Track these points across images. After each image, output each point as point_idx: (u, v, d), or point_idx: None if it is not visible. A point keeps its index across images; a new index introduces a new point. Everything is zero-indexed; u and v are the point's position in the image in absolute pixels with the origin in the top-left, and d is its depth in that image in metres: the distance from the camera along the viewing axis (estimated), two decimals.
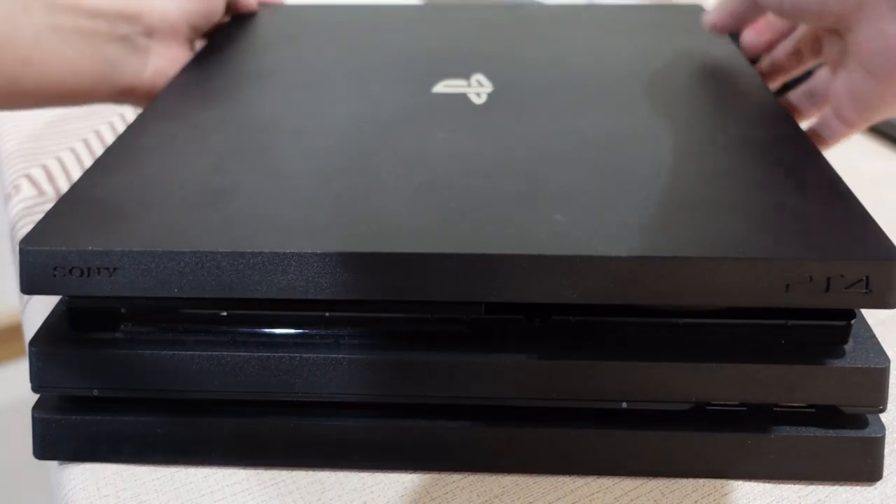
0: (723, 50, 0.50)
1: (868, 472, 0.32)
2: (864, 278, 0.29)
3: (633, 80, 0.45)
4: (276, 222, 0.32)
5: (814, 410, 0.32)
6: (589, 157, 0.36)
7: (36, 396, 0.34)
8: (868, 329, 0.33)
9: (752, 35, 0.49)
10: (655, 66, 0.48)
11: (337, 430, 0.33)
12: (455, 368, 0.32)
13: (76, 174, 0.54)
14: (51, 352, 0.32)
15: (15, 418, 0.75)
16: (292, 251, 0.30)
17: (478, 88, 0.44)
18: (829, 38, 0.43)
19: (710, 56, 0.50)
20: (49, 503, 0.35)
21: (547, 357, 0.31)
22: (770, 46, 0.49)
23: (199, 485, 0.33)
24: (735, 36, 0.53)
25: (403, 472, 0.33)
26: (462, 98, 0.43)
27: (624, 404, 0.32)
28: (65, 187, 0.53)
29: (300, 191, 0.34)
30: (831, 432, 0.32)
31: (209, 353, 0.32)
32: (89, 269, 0.30)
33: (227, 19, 0.56)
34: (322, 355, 0.32)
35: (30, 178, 0.54)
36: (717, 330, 0.32)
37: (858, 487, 0.33)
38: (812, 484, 0.33)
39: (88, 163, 0.55)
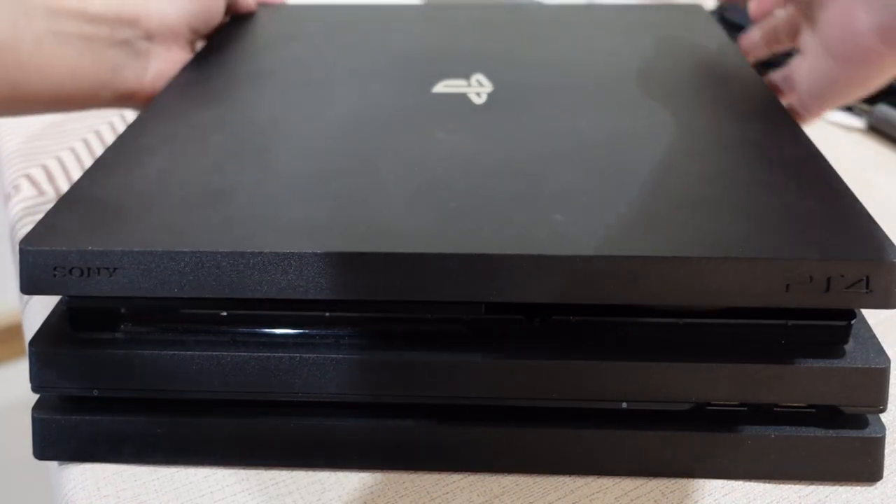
0: (723, 50, 0.50)
1: (868, 472, 0.32)
2: (865, 278, 0.29)
3: (632, 80, 0.45)
4: (276, 222, 0.32)
5: (814, 410, 0.32)
6: (589, 157, 0.36)
7: (36, 396, 0.34)
8: (868, 329, 0.33)
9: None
10: (655, 67, 0.48)
11: (337, 430, 0.33)
12: (455, 368, 0.32)
13: (76, 174, 0.54)
14: (51, 352, 0.32)
15: (15, 418, 0.75)
16: (292, 251, 0.30)
17: (478, 88, 0.44)
18: (804, 22, 0.44)
19: (710, 56, 0.50)
20: (49, 503, 0.35)
21: (547, 357, 0.31)
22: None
23: (199, 485, 0.33)
24: (734, 35, 0.53)
25: (403, 472, 0.33)
26: (462, 98, 0.43)
27: (624, 404, 0.32)
28: (65, 187, 0.53)
29: (300, 191, 0.34)
30: (831, 432, 0.32)
31: (209, 353, 0.32)
32: (89, 269, 0.30)
33: (226, 20, 0.56)
34: (322, 355, 0.32)
35: (30, 178, 0.54)
36: (717, 330, 0.32)
37: (858, 487, 0.33)
38: (812, 484, 0.33)
39: (88, 163, 0.55)
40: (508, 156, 0.37)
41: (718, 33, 0.53)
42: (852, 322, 0.31)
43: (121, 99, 0.46)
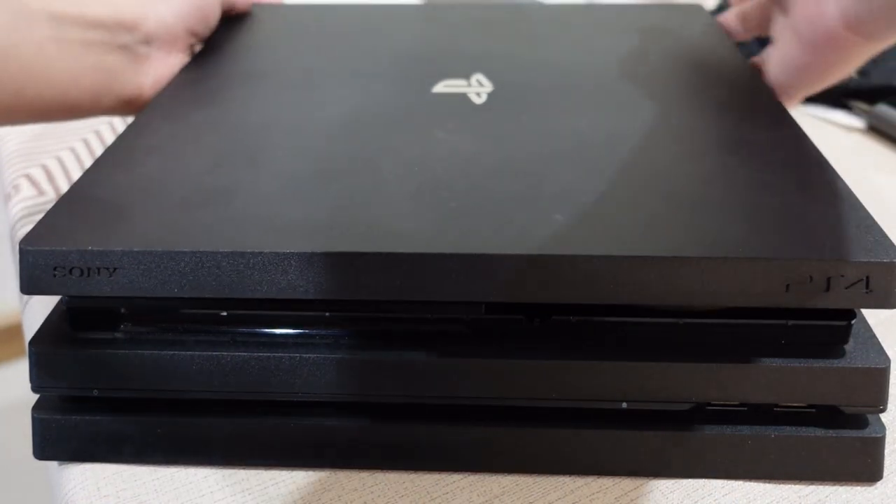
0: (723, 50, 0.50)
1: (868, 472, 0.32)
2: (865, 278, 0.29)
3: (632, 81, 0.45)
4: (276, 222, 0.32)
5: (814, 410, 0.32)
6: (589, 157, 0.36)
7: (36, 396, 0.34)
8: (868, 329, 0.33)
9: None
10: (655, 67, 0.48)
11: (337, 431, 0.33)
12: (455, 368, 0.32)
13: (76, 174, 0.54)
14: (51, 352, 0.32)
15: (15, 418, 0.75)
16: (292, 251, 0.30)
17: (478, 88, 0.44)
18: (776, 10, 0.45)
19: (710, 56, 0.50)
20: (49, 503, 0.35)
21: (547, 357, 0.31)
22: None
23: (199, 485, 0.33)
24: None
25: (403, 472, 0.33)
26: (462, 98, 0.43)
27: (624, 404, 0.32)
28: (65, 187, 0.53)
29: (300, 191, 0.34)
30: (831, 432, 0.32)
31: (209, 353, 0.32)
32: (89, 269, 0.30)
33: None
34: (322, 355, 0.32)
35: (30, 178, 0.54)
36: (717, 330, 0.32)
37: (858, 487, 0.33)
38: (812, 484, 0.33)
39: (88, 163, 0.55)
40: (508, 156, 0.37)
41: (718, 33, 0.53)
42: (852, 322, 0.31)
43: (121, 105, 0.46)
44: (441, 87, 0.44)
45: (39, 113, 0.43)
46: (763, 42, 0.48)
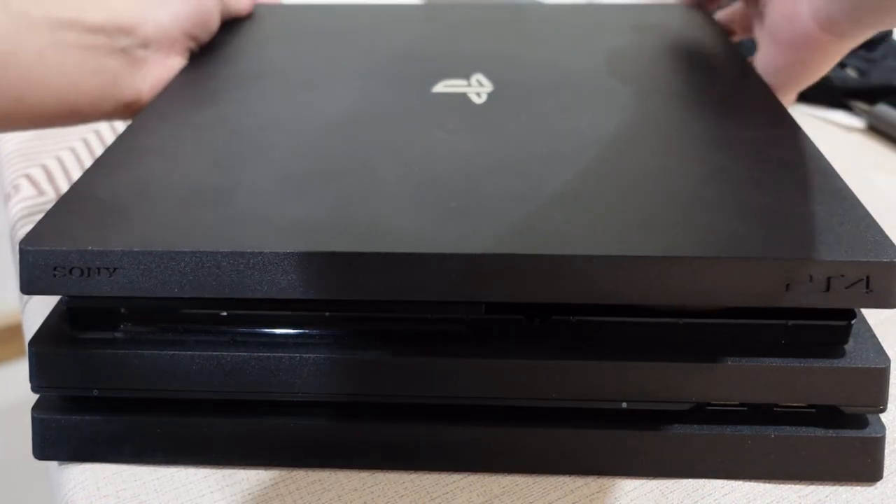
0: (723, 50, 0.50)
1: (868, 472, 0.32)
2: (865, 278, 0.29)
3: (632, 80, 0.45)
4: (276, 222, 0.32)
5: (814, 410, 0.32)
6: (589, 157, 0.36)
7: (36, 396, 0.34)
8: (868, 329, 0.33)
9: None
10: (655, 66, 0.48)
11: (337, 431, 0.33)
12: (455, 368, 0.32)
13: (76, 174, 0.54)
14: (51, 352, 0.32)
15: (15, 418, 0.75)
16: (292, 251, 0.30)
17: (478, 88, 0.44)
18: (755, 15, 0.46)
19: (710, 56, 0.50)
20: (49, 503, 0.35)
21: (547, 357, 0.31)
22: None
23: (199, 485, 0.33)
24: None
25: (403, 472, 0.33)
26: (462, 98, 0.43)
27: (624, 404, 0.32)
28: (65, 187, 0.53)
29: (300, 191, 0.34)
30: (831, 432, 0.32)
31: (209, 353, 0.32)
32: (89, 269, 0.30)
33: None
34: (322, 355, 0.32)
35: (30, 178, 0.54)
36: (717, 330, 0.32)
37: (858, 487, 0.33)
38: (812, 484, 0.33)
39: (88, 163, 0.55)
40: (508, 155, 0.37)
41: (718, 33, 0.53)
42: (852, 322, 0.31)
43: (121, 109, 0.46)
44: (441, 87, 0.44)
45: (39, 119, 0.43)
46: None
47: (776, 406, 0.32)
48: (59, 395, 0.33)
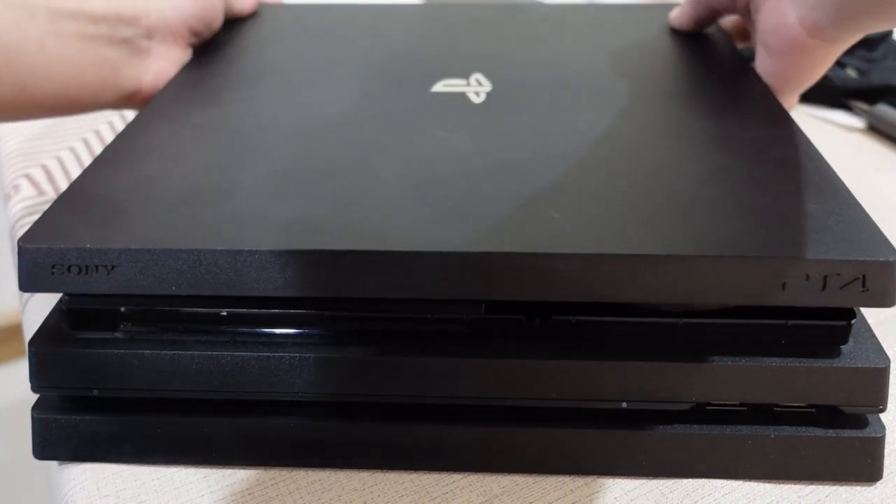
0: (721, 49, 0.50)
1: (868, 472, 0.32)
2: (861, 277, 0.29)
3: (630, 80, 0.45)
4: (274, 220, 0.32)
5: (814, 410, 0.32)
6: (586, 156, 0.36)
7: (36, 396, 0.34)
8: (868, 329, 0.33)
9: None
10: (653, 66, 0.48)
11: (336, 430, 0.33)
12: (455, 368, 0.32)
13: (76, 174, 0.54)
14: (50, 352, 0.32)
15: (15, 418, 0.75)
16: (290, 249, 0.30)
17: (477, 88, 0.44)
18: (749, 26, 0.48)
19: (708, 55, 0.50)
20: (49, 503, 0.35)
21: (547, 357, 0.31)
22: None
23: (199, 485, 0.33)
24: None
25: (403, 472, 0.33)
26: (461, 97, 0.43)
27: (624, 404, 0.32)
28: (64, 187, 0.53)
29: (298, 189, 0.34)
30: (831, 432, 0.32)
31: (209, 353, 0.32)
32: (87, 266, 0.30)
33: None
34: (322, 355, 0.32)
35: (29, 177, 0.54)
36: (717, 330, 0.32)
37: (858, 487, 0.33)
38: (812, 484, 0.33)
39: (88, 162, 0.55)
40: (506, 154, 0.37)
41: (717, 32, 0.53)
42: (852, 322, 0.31)
43: (122, 99, 0.46)
44: (440, 87, 0.44)
45: (40, 108, 0.43)
46: None
47: (776, 406, 0.32)
48: (59, 394, 0.33)
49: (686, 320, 0.32)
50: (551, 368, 0.31)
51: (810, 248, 0.29)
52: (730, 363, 0.31)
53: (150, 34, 0.46)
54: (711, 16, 0.52)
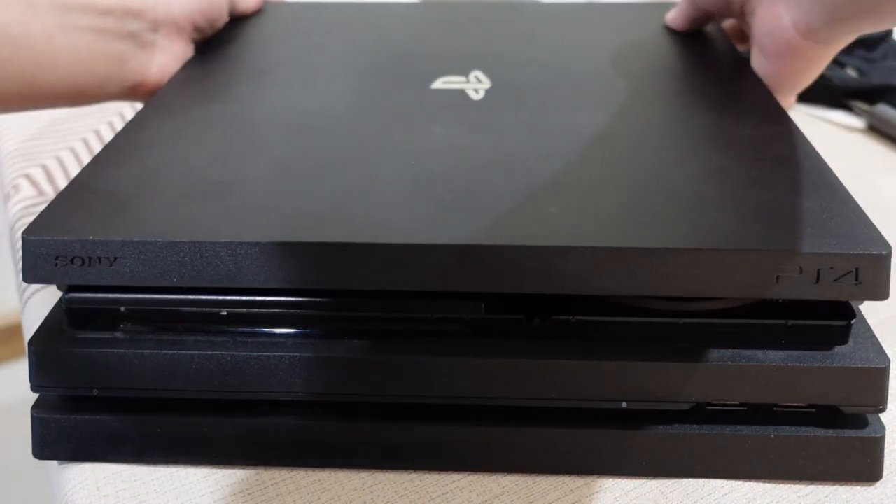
0: (720, 48, 0.50)
1: (868, 472, 0.32)
2: (854, 270, 0.29)
3: (629, 78, 0.45)
4: (275, 213, 0.32)
5: (814, 410, 0.32)
6: (584, 152, 0.37)
7: (36, 396, 0.34)
8: (868, 329, 0.33)
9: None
10: (652, 64, 0.48)
11: (337, 430, 0.33)
12: (455, 368, 0.32)
13: (75, 174, 0.54)
14: (50, 352, 0.32)
15: (15, 418, 0.75)
16: (290, 241, 0.30)
17: (476, 85, 0.44)
18: (746, 30, 0.48)
19: (706, 54, 0.50)
20: (49, 503, 0.35)
21: (547, 357, 0.31)
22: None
23: (199, 485, 0.33)
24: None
25: (403, 472, 0.33)
26: (460, 94, 0.43)
27: (624, 404, 0.32)
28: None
29: (299, 183, 0.34)
30: (831, 432, 0.32)
31: (209, 352, 0.32)
32: (90, 258, 0.30)
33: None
34: (322, 355, 0.32)
35: (29, 177, 0.54)
36: (717, 330, 0.32)
37: (858, 487, 0.33)
38: (812, 484, 0.33)
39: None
40: (505, 150, 0.37)
41: (716, 31, 0.53)
42: (852, 322, 0.31)
43: (126, 91, 0.47)
44: (440, 84, 0.44)
45: (46, 99, 0.44)
46: None
47: (776, 406, 0.32)
48: (59, 394, 0.33)
49: (686, 320, 0.32)
50: (551, 368, 0.31)
51: (804, 241, 0.30)
52: (730, 363, 0.31)
53: (155, 28, 0.47)
54: (707, 18, 0.52)
